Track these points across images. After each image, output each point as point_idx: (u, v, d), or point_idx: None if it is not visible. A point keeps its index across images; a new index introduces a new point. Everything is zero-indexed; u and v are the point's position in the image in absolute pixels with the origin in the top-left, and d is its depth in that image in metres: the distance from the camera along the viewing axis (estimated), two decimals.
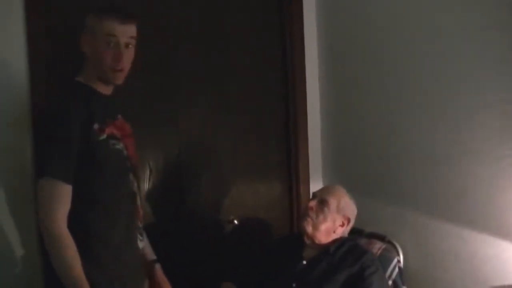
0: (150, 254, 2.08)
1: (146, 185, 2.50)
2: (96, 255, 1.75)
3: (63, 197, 1.68)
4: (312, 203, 2.24)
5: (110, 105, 1.86)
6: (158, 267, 2.08)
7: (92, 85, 1.82)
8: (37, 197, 1.70)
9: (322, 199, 2.23)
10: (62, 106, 1.74)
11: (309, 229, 2.20)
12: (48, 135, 1.70)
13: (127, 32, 1.80)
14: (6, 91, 2.19)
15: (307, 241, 2.23)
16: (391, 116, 2.50)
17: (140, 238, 1.94)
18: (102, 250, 1.77)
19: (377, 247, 2.31)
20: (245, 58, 2.72)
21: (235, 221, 2.65)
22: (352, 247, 2.20)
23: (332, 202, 2.21)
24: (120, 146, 1.83)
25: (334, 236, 2.23)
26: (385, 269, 2.22)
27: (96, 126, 1.75)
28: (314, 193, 2.33)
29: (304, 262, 2.20)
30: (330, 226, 2.21)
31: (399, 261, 2.29)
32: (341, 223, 2.23)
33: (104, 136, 1.76)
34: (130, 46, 1.82)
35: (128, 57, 1.82)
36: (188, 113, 2.60)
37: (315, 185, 2.68)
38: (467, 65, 2.14)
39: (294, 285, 2.12)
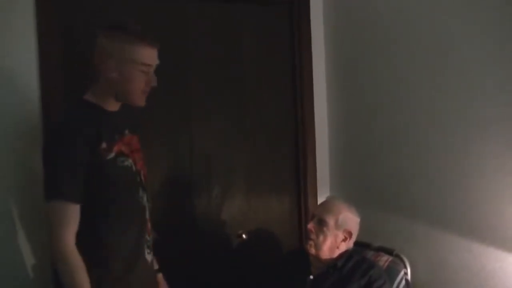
0: (153, 264, 2.10)
1: (157, 199, 2.52)
2: (107, 267, 1.77)
3: (71, 217, 1.70)
4: (311, 225, 2.23)
5: (118, 121, 1.86)
6: (160, 276, 2.11)
7: (101, 103, 1.83)
8: (47, 217, 1.72)
9: (319, 219, 2.23)
10: (68, 127, 1.73)
11: (312, 250, 2.21)
12: (54, 157, 1.70)
13: (156, 59, 1.84)
14: (17, 106, 2.23)
15: (313, 259, 2.24)
16: (400, 130, 2.50)
17: (148, 251, 1.95)
18: (114, 263, 1.79)
19: (384, 259, 2.32)
20: (257, 74, 2.77)
21: (244, 236, 2.67)
22: (359, 260, 2.20)
23: (330, 221, 2.21)
24: (128, 162, 1.84)
25: (338, 251, 2.23)
26: (392, 281, 2.22)
27: (104, 145, 1.75)
28: (313, 213, 2.32)
29: (311, 277, 2.21)
30: (333, 243, 2.21)
31: (406, 274, 2.29)
32: (343, 238, 2.23)
33: (112, 155, 1.77)
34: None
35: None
36: (200, 127, 2.64)
37: (323, 199, 2.68)
38: (478, 79, 2.14)
39: None
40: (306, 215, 2.78)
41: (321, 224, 2.21)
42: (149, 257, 1.94)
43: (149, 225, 1.95)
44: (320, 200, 2.76)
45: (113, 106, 1.86)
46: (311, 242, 2.21)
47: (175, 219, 2.59)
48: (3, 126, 2.19)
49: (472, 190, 2.18)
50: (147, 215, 1.95)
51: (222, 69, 2.70)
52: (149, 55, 1.81)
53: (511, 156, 2.03)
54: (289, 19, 2.84)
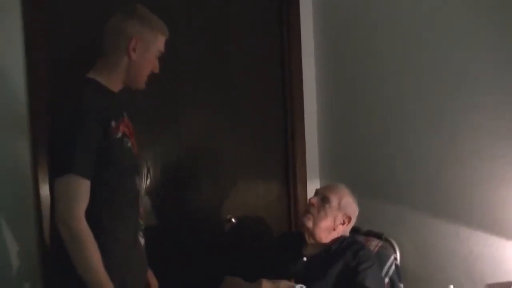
0: None
1: (144, 185, 2.50)
2: (110, 254, 1.73)
3: (83, 193, 1.67)
4: (314, 200, 2.26)
5: (119, 103, 1.86)
6: None
7: (106, 83, 1.83)
8: (56, 194, 1.67)
9: (324, 196, 2.26)
10: (81, 102, 1.70)
11: (310, 224, 2.22)
12: (68, 132, 1.67)
13: None
14: (2, 94, 2.19)
15: (308, 239, 2.25)
16: (388, 117, 2.52)
17: (141, 234, 1.94)
18: (115, 249, 1.76)
19: (374, 244, 2.34)
20: (245, 62, 2.75)
21: (233, 220, 2.67)
22: (350, 242, 2.22)
23: (334, 200, 2.24)
24: (130, 144, 1.84)
25: (335, 234, 2.25)
26: (382, 266, 2.25)
27: (113, 123, 1.74)
28: (317, 190, 2.35)
29: (305, 259, 2.22)
30: (331, 224, 2.23)
31: (395, 259, 2.31)
32: (341, 221, 2.25)
33: (119, 134, 1.77)
34: None
35: None
36: (188, 114, 2.62)
37: (313, 186, 2.69)
38: (462, 67, 2.17)
39: (292, 280, 2.12)
40: (295, 202, 2.80)
41: (324, 201, 2.24)
42: (142, 241, 1.94)
43: (141, 209, 1.94)
44: (310, 186, 2.79)
45: (116, 87, 1.86)
46: (310, 216, 2.23)
47: (164, 206, 2.57)
48: None
49: (460, 175, 2.22)
50: (140, 200, 1.95)
51: (210, 58, 2.67)
52: (164, 44, 1.90)
53: (497, 141, 2.07)
54: (278, 7, 2.82)
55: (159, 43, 1.87)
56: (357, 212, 2.32)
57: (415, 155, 2.40)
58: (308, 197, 2.68)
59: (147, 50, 1.84)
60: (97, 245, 1.66)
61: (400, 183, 2.47)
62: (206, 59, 2.66)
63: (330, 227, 2.23)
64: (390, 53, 2.50)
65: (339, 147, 2.84)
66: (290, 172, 2.83)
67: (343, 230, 2.27)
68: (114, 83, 1.85)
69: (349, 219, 2.27)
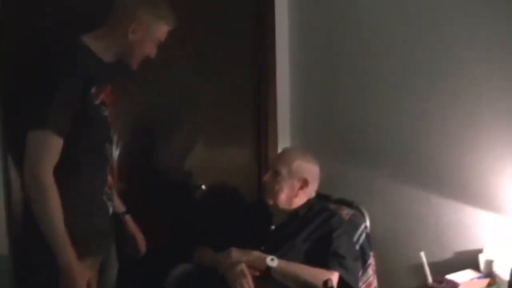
0: (120, 207, 2.16)
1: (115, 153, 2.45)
2: (72, 208, 1.74)
3: (55, 149, 1.70)
4: (266, 177, 2.29)
5: (106, 72, 1.89)
6: (128, 217, 2.18)
7: (98, 51, 1.86)
8: (28, 146, 1.69)
9: (274, 170, 2.26)
10: (65, 62, 1.74)
11: (270, 202, 2.24)
12: (48, 87, 1.70)
13: None
14: None
15: (274, 209, 2.26)
16: (361, 81, 2.48)
17: (110, 203, 1.98)
18: (78, 205, 1.80)
19: (345, 213, 2.34)
20: (217, 19, 2.64)
21: (203, 186, 2.63)
22: (321, 209, 2.23)
23: (283, 170, 2.23)
24: (106, 113, 1.88)
25: (298, 200, 2.25)
26: (353, 234, 2.25)
27: (94, 89, 1.78)
28: (269, 165, 2.38)
29: (273, 227, 2.23)
30: (290, 192, 2.23)
31: (366, 227, 2.32)
32: (299, 186, 2.24)
33: (98, 101, 1.81)
34: None
35: None
36: (159, 77, 2.50)
37: None
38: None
39: (262, 248, 2.13)
40: (266, 166, 2.74)
41: (275, 174, 2.24)
42: (110, 208, 1.98)
43: (109, 178, 1.97)
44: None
45: (108, 58, 1.89)
46: (267, 193, 2.25)
47: (132, 172, 2.49)
48: None
49: (430, 142, 2.22)
50: (109, 168, 1.98)
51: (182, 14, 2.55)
52: (165, 34, 1.95)
53: (472, 110, 2.07)
54: None
55: (160, 32, 1.93)
56: (315, 172, 2.30)
57: (387, 121, 2.39)
58: None
59: (146, 35, 1.89)
60: (60, 201, 1.69)
61: (372, 149, 2.46)
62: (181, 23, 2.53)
63: (291, 195, 2.24)
64: (373, 9, 2.42)
65: (311, 112, 2.79)
66: (262, 136, 2.78)
67: (306, 193, 2.26)
68: (108, 54, 1.88)
69: (306, 181, 2.25)
